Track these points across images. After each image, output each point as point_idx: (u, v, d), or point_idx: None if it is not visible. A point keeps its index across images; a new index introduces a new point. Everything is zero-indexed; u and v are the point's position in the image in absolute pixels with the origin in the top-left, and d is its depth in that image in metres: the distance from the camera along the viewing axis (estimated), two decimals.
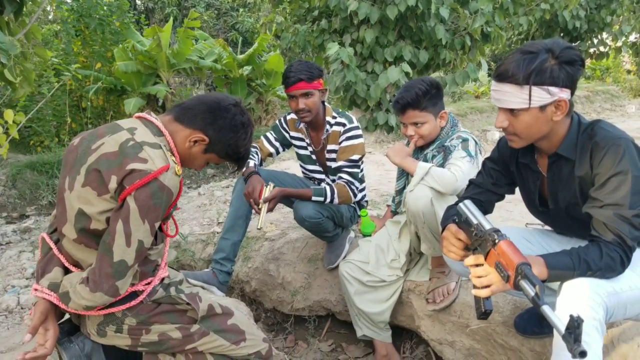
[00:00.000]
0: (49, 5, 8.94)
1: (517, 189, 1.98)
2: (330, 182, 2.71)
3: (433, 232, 2.22)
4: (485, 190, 1.92)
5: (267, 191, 2.46)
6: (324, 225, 2.60)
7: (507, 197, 2.01)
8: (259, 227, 2.42)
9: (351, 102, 6.54)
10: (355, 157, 2.62)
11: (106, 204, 1.44)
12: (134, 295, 1.59)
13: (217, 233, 3.41)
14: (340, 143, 2.66)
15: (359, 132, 2.66)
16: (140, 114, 1.60)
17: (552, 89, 1.50)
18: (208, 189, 4.85)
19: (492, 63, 15.81)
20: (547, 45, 1.52)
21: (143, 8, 16.84)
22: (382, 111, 6.49)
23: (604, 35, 10.54)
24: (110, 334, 1.59)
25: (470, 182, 1.99)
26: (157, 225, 1.47)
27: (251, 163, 2.69)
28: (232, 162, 1.73)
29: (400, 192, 2.69)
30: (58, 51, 8.39)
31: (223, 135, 1.61)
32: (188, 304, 1.67)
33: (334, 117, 2.71)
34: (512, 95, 1.54)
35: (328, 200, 2.54)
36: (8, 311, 2.69)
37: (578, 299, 1.45)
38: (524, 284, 1.35)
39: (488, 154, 2.00)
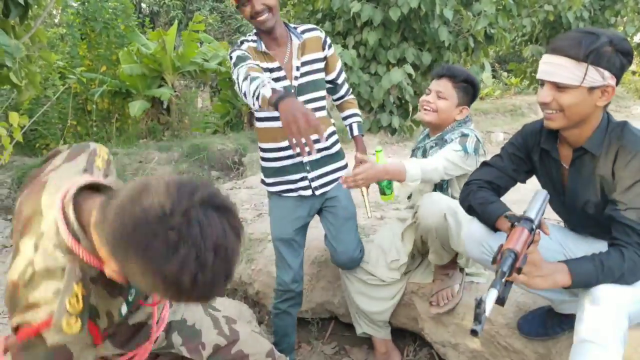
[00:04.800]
0: (55, 9, 8.98)
1: (527, 181, 1.98)
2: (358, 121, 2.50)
3: (444, 245, 2.21)
4: (505, 175, 1.91)
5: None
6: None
7: (512, 198, 2.01)
8: (369, 216, 2.39)
9: None
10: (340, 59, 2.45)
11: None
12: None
13: None
14: (326, 50, 2.32)
15: None
16: (71, 195, 1.14)
17: (606, 73, 1.51)
18: None
19: (495, 65, 15.78)
20: (606, 32, 1.54)
21: (148, 11, 16.90)
22: (385, 113, 6.49)
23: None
24: None
25: (491, 164, 1.95)
26: None
27: (278, 86, 2.00)
28: None
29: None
30: (63, 54, 8.43)
31: (139, 282, 1.00)
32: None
33: (296, 26, 2.29)
34: (567, 70, 1.53)
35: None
36: None
37: (604, 310, 1.45)
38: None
39: (491, 156, 1.99)
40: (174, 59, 8.26)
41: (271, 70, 2.20)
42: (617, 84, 1.57)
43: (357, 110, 2.53)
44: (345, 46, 6.30)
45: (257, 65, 2.10)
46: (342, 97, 2.51)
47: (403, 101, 6.58)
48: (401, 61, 6.30)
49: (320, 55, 2.30)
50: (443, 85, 2.35)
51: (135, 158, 6.35)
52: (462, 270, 2.42)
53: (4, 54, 3.19)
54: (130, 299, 1.27)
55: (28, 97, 3.95)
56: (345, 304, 2.78)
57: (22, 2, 3.38)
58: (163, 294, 0.99)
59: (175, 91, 8.37)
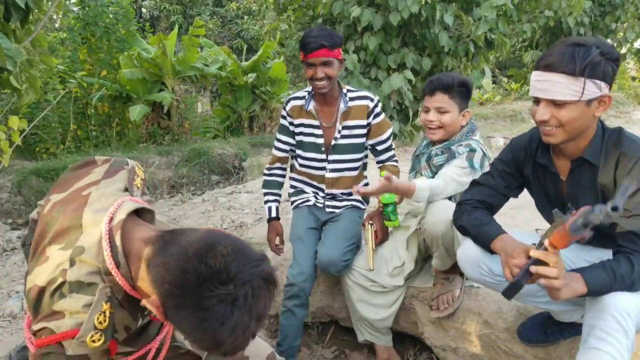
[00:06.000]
0: (55, 13, 9.01)
1: (520, 194, 1.97)
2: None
3: (448, 251, 2.22)
4: (497, 193, 1.89)
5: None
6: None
7: (512, 203, 2.00)
8: (371, 268, 2.46)
9: None
10: (390, 130, 2.66)
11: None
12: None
13: None
14: (370, 118, 2.59)
15: None
16: (120, 223, 1.18)
17: (602, 83, 1.50)
18: (212, 195, 4.86)
19: (496, 70, 15.81)
20: (594, 41, 1.51)
21: (148, 16, 16.95)
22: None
23: (609, 41, 10.54)
24: None
25: (482, 183, 1.92)
26: None
27: (272, 209, 2.73)
28: None
29: None
30: (64, 59, 8.45)
31: (182, 331, 1.08)
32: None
33: (350, 91, 2.62)
34: (563, 86, 1.50)
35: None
36: (12, 316, 2.70)
37: (613, 318, 1.44)
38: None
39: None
40: (174, 64, 8.28)
41: (309, 126, 2.64)
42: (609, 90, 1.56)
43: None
44: (345, 51, 6.31)
45: (293, 124, 2.66)
46: (382, 162, 2.74)
47: (403, 106, 6.58)
48: (401, 66, 6.30)
49: (363, 122, 2.60)
50: (440, 100, 2.31)
51: None
52: (462, 274, 2.42)
53: (4, 57, 3.19)
54: (145, 312, 1.31)
55: (28, 101, 3.95)
56: (346, 308, 2.78)
57: (23, 6, 3.38)
58: (200, 345, 1.07)
59: (175, 96, 8.38)
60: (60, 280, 1.13)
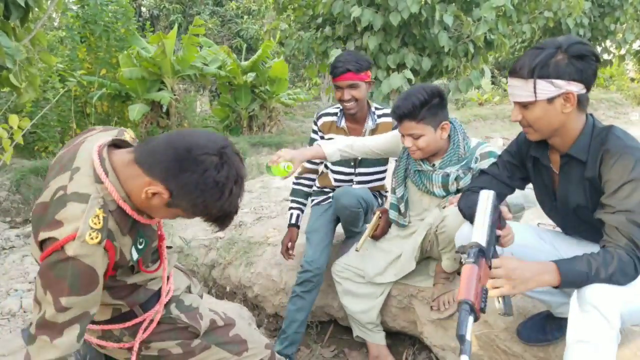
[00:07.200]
0: (55, 12, 9.00)
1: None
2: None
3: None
4: (500, 182, 1.93)
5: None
6: (360, 217, 2.65)
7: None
8: (357, 249, 2.53)
9: None
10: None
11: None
12: (132, 314, 1.56)
13: (220, 238, 3.41)
14: None
15: None
16: (107, 143, 1.38)
17: (558, 81, 1.54)
18: None
19: (495, 70, 15.82)
20: (558, 41, 1.57)
21: (148, 15, 16.94)
22: None
23: (608, 43, 10.55)
24: (110, 347, 1.59)
25: (488, 172, 1.97)
26: (65, 299, 1.23)
27: (294, 215, 2.83)
28: (208, 222, 1.43)
29: (402, 198, 2.55)
30: (63, 57, 8.44)
31: (188, 193, 1.28)
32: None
33: (378, 109, 2.76)
34: (520, 89, 1.60)
35: None
36: (11, 314, 2.69)
37: (596, 310, 1.45)
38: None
39: None
40: (173, 63, 8.28)
41: None
42: (589, 86, 1.59)
43: None
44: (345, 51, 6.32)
45: (323, 139, 2.77)
46: None
47: None
48: (401, 66, 6.31)
49: None
50: (409, 127, 2.20)
51: None
52: None
53: (4, 55, 3.19)
54: (139, 246, 1.44)
55: (28, 100, 3.95)
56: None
57: (23, 5, 3.39)
58: (208, 201, 1.30)
59: (174, 95, 8.37)
60: (60, 193, 1.29)
